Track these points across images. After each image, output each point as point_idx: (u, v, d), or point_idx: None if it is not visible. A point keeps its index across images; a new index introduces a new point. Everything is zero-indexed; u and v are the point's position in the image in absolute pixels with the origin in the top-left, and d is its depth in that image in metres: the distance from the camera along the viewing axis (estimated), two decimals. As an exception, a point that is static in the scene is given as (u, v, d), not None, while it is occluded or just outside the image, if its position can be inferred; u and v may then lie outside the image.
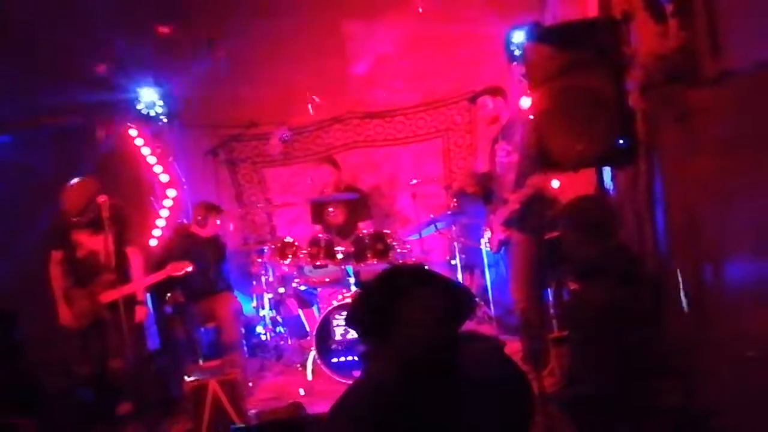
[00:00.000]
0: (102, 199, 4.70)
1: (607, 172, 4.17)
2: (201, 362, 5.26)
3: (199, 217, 5.99)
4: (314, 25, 6.54)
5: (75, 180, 5.00)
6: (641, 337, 3.05)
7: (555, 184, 4.96)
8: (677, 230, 3.43)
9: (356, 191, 6.27)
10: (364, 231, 5.67)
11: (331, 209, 6.06)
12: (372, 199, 6.69)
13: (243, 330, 5.87)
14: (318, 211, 6.31)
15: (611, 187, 4.31)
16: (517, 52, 5.81)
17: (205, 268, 5.73)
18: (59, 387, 5.22)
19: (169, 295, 5.48)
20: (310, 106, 6.78)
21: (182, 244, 5.79)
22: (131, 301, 4.99)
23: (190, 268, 5.26)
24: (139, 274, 5.14)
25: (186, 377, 4.59)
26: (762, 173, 2.49)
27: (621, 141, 3.55)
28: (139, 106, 6.60)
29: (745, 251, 2.78)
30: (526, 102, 5.13)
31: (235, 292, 6.04)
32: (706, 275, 3.14)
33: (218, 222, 6.05)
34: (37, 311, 5.32)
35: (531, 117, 4.11)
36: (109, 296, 4.92)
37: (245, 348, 5.93)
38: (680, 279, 2.18)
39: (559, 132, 3.75)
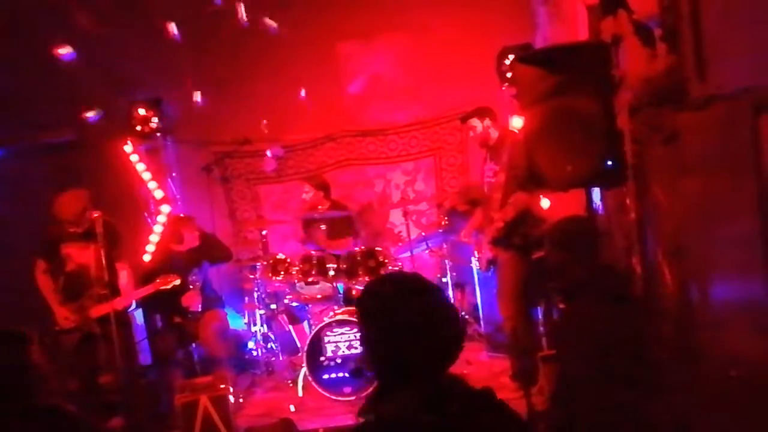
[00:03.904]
0: (96, 214, 4.71)
1: (596, 192, 4.23)
2: (191, 378, 5.25)
3: (174, 233, 5.88)
4: (309, 44, 6.60)
5: (67, 191, 4.99)
6: (628, 357, 3.08)
7: (545, 204, 5.01)
8: (664, 250, 3.48)
9: (344, 209, 6.29)
10: (356, 248, 5.69)
11: (323, 227, 6.05)
12: (362, 217, 6.69)
13: (230, 347, 5.78)
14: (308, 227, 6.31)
15: (600, 208, 4.37)
16: (508, 74, 5.90)
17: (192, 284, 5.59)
18: (47, 401, 5.20)
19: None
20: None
21: (165, 262, 5.68)
22: (122, 316, 5.00)
23: (178, 282, 5.23)
24: (128, 289, 5.12)
25: (177, 393, 4.59)
26: (745, 194, 2.55)
27: (609, 162, 3.60)
28: (134, 122, 6.63)
29: (731, 270, 2.83)
30: (516, 122, 5.19)
31: (227, 308, 6.02)
32: (693, 294, 3.19)
33: (196, 232, 5.83)
34: (28, 325, 5.30)
35: (520, 137, 4.16)
36: (99, 311, 4.92)
37: (233, 364, 5.86)
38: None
39: (548, 153, 3.80)
